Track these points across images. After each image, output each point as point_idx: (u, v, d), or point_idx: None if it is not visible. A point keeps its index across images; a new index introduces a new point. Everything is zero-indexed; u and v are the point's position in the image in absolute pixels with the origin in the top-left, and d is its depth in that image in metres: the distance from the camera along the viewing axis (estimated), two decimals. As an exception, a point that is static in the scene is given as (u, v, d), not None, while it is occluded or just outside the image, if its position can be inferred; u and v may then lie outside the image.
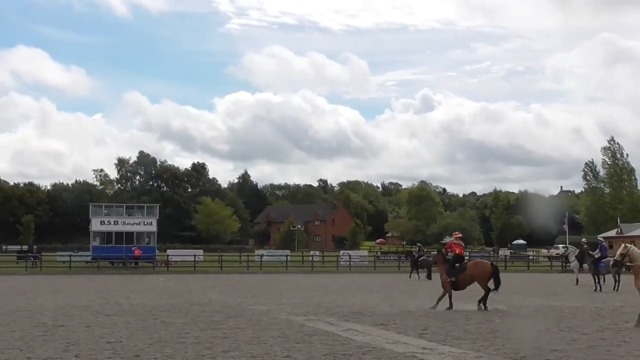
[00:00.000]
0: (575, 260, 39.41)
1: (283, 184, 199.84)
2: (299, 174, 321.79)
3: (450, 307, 22.87)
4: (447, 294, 23.33)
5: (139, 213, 74.74)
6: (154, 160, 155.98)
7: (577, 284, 37.98)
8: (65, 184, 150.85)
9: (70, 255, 67.26)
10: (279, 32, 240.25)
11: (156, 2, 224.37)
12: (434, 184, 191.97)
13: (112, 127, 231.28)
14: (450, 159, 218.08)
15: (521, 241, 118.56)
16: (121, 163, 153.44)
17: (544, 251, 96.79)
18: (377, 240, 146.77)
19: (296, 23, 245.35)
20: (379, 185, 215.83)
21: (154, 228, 72.57)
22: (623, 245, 19.15)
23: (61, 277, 50.79)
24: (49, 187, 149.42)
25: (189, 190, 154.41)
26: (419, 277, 45.38)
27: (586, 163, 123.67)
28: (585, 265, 37.58)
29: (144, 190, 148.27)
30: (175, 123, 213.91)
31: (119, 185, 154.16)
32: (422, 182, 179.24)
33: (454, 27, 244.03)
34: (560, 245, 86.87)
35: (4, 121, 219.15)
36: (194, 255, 69.35)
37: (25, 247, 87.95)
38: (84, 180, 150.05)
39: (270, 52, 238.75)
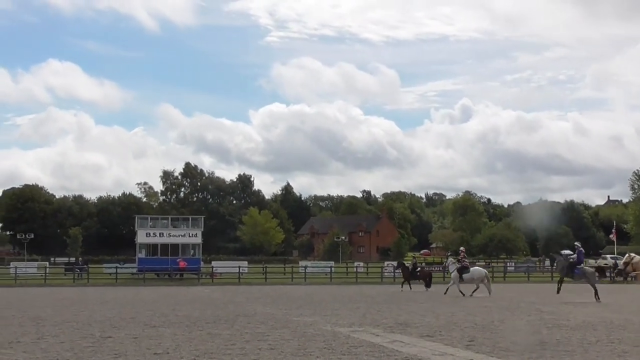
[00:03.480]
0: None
1: (326, 195, 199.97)
2: (337, 185, 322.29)
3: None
4: None
5: (184, 225, 75.23)
6: (200, 172, 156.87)
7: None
8: (111, 196, 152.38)
9: (116, 267, 67.85)
10: (318, 44, 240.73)
11: (189, 16, 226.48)
12: (478, 194, 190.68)
13: (150, 139, 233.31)
14: (489, 169, 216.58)
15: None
16: (166, 175, 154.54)
17: (592, 262, 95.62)
18: (422, 251, 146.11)
19: (335, 35, 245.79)
20: (423, 196, 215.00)
21: (198, 240, 72.95)
22: (628, 254, 18.97)
23: (108, 288, 51.21)
24: (95, 200, 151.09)
25: (234, 202, 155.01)
26: (410, 288, 44.94)
27: (634, 172, 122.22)
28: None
29: (189, 202, 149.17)
30: (211, 135, 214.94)
31: (164, 197, 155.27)
32: (467, 192, 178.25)
33: (494, 37, 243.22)
34: (609, 256, 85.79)
35: (44, 136, 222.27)
36: (239, 267, 69.56)
37: (72, 259, 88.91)
38: (129, 193, 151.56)
39: (306, 63, 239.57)
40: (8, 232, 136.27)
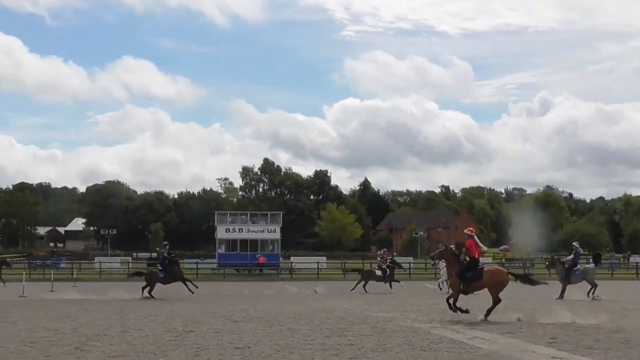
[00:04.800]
0: None
1: (404, 191, 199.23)
2: (413, 180, 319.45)
3: (456, 309, 22.07)
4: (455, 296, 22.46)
5: (262, 220, 75.81)
6: (277, 168, 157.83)
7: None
8: (190, 192, 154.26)
9: (197, 263, 68.71)
10: (392, 38, 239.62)
11: (260, 12, 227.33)
12: (559, 189, 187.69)
13: (226, 136, 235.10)
14: (569, 163, 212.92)
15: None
16: (245, 171, 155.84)
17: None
18: (501, 247, 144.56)
19: (411, 28, 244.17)
20: (502, 191, 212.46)
21: (277, 235, 73.45)
22: None
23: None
24: (175, 196, 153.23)
25: (312, 197, 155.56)
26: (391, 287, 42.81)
27: None
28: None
29: (268, 198, 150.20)
30: (285, 131, 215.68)
31: (243, 193, 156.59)
32: (548, 187, 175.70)
33: (575, 27, 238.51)
34: None
35: (122, 133, 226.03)
36: (317, 262, 69.76)
37: (154, 255, 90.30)
38: (210, 189, 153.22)
39: (378, 57, 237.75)
40: (92, 228, 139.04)
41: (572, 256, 34.67)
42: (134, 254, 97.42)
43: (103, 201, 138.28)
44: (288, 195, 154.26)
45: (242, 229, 73.11)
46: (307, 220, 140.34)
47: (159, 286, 35.13)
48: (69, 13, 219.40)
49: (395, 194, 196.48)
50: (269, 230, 73.46)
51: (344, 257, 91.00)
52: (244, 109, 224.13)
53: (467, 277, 22.28)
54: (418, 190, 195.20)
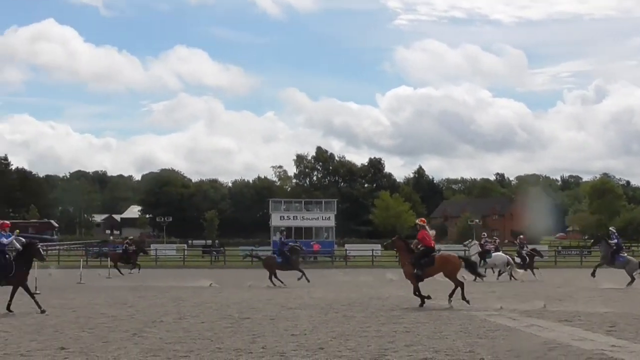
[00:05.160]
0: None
1: (459, 179, 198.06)
2: (467, 168, 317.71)
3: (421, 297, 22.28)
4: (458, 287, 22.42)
5: (317, 208, 76.04)
6: (331, 156, 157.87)
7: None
8: (244, 180, 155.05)
9: (251, 250, 69.03)
10: (445, 27, 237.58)
11: (312, 1, 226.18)
12: (617, 177, 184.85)
13: (279, 124, 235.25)
14: (626, 151, 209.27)
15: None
16: (299, 159, 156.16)
17: None
18: (558, 235, 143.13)
19: (465, 17, 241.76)
20: (558, 179, 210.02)
21: (332, 223, 73.56)
22: None
23: (243, 270, 52.24)
24: (229, 184, 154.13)
25: (365, 185, 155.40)
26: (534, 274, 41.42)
27: None
28: None
29: (322, 186, 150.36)
30: (338, 119, 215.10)
31: (297, 181, 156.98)
32: (605, 174, 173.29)
33: (631, 15, 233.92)
34: None
35: (176, 121, 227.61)
36: (372, 250, 69.67)
37: (209, 242, 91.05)
38: (264, 177, 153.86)
39: (429, 46, 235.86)
40: (148, 216, 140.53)
41: (615, 240, 34.13)
42: (189, 242, 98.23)
43: (158, 189, 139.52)
44: (342, 183, 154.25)
45: (296, 216, 73.40)
46: (361, 208, 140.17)
47: (212, 273, 35.35)
48: (123, 3, 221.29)
49: (449, 181, 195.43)
50: (324, 218, 73.59)
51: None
52: (297, 98, 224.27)
53: (421, 263, 22.53)
54: (472, 178, 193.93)
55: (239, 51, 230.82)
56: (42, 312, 20.07)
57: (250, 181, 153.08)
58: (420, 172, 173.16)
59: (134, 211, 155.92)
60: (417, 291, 22.49)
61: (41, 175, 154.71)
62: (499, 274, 38.71)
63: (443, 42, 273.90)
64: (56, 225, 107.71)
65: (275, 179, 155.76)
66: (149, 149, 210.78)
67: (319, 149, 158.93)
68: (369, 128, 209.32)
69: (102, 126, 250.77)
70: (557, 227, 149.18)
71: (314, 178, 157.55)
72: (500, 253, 41.35)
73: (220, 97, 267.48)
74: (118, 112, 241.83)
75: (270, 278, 33.83)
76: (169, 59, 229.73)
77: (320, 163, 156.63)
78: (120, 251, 50.31)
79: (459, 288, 22.26)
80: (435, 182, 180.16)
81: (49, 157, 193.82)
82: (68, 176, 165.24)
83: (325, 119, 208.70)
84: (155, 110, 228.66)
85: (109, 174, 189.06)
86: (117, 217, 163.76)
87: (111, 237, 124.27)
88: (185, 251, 74.83)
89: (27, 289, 20.81)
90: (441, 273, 22.86)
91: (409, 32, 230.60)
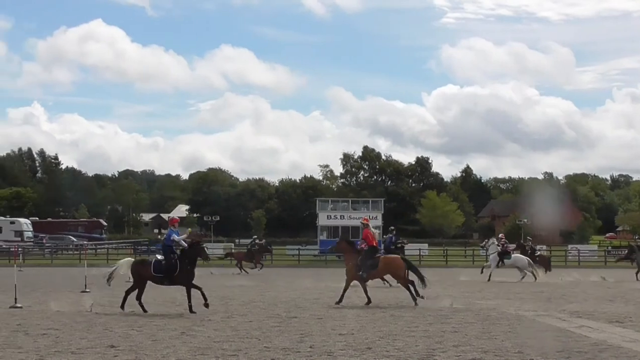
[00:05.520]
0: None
1: (507, 178, 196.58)
2: (514, 166, 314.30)
3: (340, 301, 22.67)
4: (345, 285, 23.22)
5: (364, 207, 75.91)
6: (377, 155, 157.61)
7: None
8: (291, 179, 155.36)
9: (298, 249, 69.21)
10: (492, 25, 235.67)
11: (357, 0, 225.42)
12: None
13: (325, 123, 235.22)
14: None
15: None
16: (346, 158, 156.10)
17: None
18: (607, 235, 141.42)
19: (512, 14, 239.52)
20: (608, 178, 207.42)
21: (379, 222, 73.32)
22: None
23: (291, 270, 52.39)
24: (276, 183, 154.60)
25: (412, 184, 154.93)
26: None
27: None
28: None
29: (368, 185, 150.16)
30: (384, 118, 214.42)
31: (343, 180, 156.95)
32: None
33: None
34: None
35: (222, 121, 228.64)
36: (419, 249, 69.35)
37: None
38: (310, 176, 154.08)
39: (475, 44, 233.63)
40: (195, 215, 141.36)
41: None
42: (237, 241, 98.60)
43: (206, 188, 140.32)
44: (389, 182, 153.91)
45: (343, 215, 73.37)
46: (408, 207, 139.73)
47: (260, 271, 35.39)
48: (169, 3, 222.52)
49: (497, 180, 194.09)
50: (371, 217, 73.36)
51: (446, 245, 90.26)
52: (343, 97, 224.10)
53: (367, 265, 22.99)
54: (520, 177, 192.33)
55: (285, 50, 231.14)
56: (193, 312, 19.91)
57: (298, 180, 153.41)
58: (467, 171, 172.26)
59: (181, 210, 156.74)
60: (343, 293, 23.07)
61: (90, 174, 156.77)
62: (523, 276, 38.22)
63: (489, 40, 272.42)
64: (105, 224, 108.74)
65: (321, 178, 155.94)
66: (195, 148, 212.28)
67: (365, 148, 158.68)
68: (415, 127, 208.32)
69: (149, 125, 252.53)
70: (606, 226, 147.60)
71: (361, 177, 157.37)
72: (520, 255, 40.77)
73: (266, 97, 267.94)
74: (165, 112, 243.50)
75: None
76: (214, 58, 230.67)
77: (367, 162, 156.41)
78: (245, 251, 51.05)
79: (411, 287, 22.86)
80: (482, 181, 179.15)
81: (98, 157, 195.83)
82: (117, 175, 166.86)
83: (371, 118, 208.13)
84: (202, 110, 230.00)
85: (156, 173, 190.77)
86: (165, 216, 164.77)
87: (159, 237, 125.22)
88: (233, 250, 75.11)
89: (189, 289, 20.42)
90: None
91: (455, 30, 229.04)
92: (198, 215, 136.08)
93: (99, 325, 17.33)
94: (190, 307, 20.09)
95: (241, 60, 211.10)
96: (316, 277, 40.54)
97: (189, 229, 24.12)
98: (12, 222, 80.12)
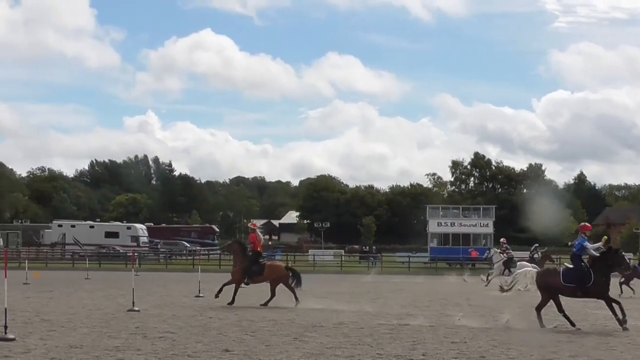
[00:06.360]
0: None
1: (622, 185, 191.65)
2: (629, 173, 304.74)
3: (232, 302, 23.77)
4: (234, 285, 24.46)
5: (474, 215, 75.24)
6: (488, 161, 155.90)
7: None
8: (400, 185, 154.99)
9: (409, 256, 68.97)
10: (606, 28, 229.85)
11: (463, 6, 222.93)
12: None
13: (433, 130, 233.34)
14: None
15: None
16: (455, 165, 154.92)
17: None
18: None
19: (626, 17, 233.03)
20: None
21: (490, 230, 72.62)
22: None
23: (401, 277, 52.21)
24: (386, 190, 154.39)
25: (524, 191, 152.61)
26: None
27: None
28: None
29: (479, 192, 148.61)
30: (492, 125, 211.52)
31: (453, 187, 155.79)
32: None
33: None
34: None
35: (330, 128, 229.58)
36: (532, 257, 68.16)
37: (366, 247, 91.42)
38: (417, 183, 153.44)
39: (584, 49, 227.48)
40: (305, 221, 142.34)
41: None
42: (347, 247, 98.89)
43: (316, 194, 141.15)
44: (499, 189, 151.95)
45: (454, 222, 72.90)
46: (520, 215, 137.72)
47: (370, 278, 35.33)
48: (275, 12, 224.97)
49: (612, 187, 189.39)
50: (482, 225, 72.78)
51: (558, 252, 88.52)
52: (450, 103, 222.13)
53: (252, 270, 24.25)
54: (636, 184, 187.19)
55: (391, 57, 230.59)
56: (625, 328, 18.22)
57: (406, 187, 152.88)
58: (581, 177, 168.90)
59: (292, 217, 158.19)
60: (235, 291, 24.29)
61: (202, 181, 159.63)
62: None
63: (599, 44, 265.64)
64: (217, 230, 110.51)
65: (429, 185, 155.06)
66: (304, 155, 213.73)
67: (476, 154, 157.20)
68: (525, 133, 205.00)
69: (259, 133, 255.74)
70: None
71: (471, 184, 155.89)
72: (525, 263, 39.50)
73: (373, 103, 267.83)
74: (274, 119, 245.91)
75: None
76: (321, 66, 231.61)
77: (477, 169, 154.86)
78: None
79: (273, 298, 24.04)
80: (597, 188, 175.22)
81: (209, 163, 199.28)
82: (228, 182, 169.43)
83: (479, 124, 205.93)
84: (311, 117, 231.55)
85: (266, 179, 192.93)
86: (276, 222, 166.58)
87: (270, 242, 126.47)
88: (342, 257, 75.37)
89: (608, 302, 19.02)
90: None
91: (565, 34, 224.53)
92: (308, 221, 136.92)
93: (213, 329, 17.60)
94: (621, 321, 18.40)
95: (348, 68, 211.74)
96: (428, 283, 40.34)
97: (605, 237, 23.17)
98: (129, 228, 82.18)
